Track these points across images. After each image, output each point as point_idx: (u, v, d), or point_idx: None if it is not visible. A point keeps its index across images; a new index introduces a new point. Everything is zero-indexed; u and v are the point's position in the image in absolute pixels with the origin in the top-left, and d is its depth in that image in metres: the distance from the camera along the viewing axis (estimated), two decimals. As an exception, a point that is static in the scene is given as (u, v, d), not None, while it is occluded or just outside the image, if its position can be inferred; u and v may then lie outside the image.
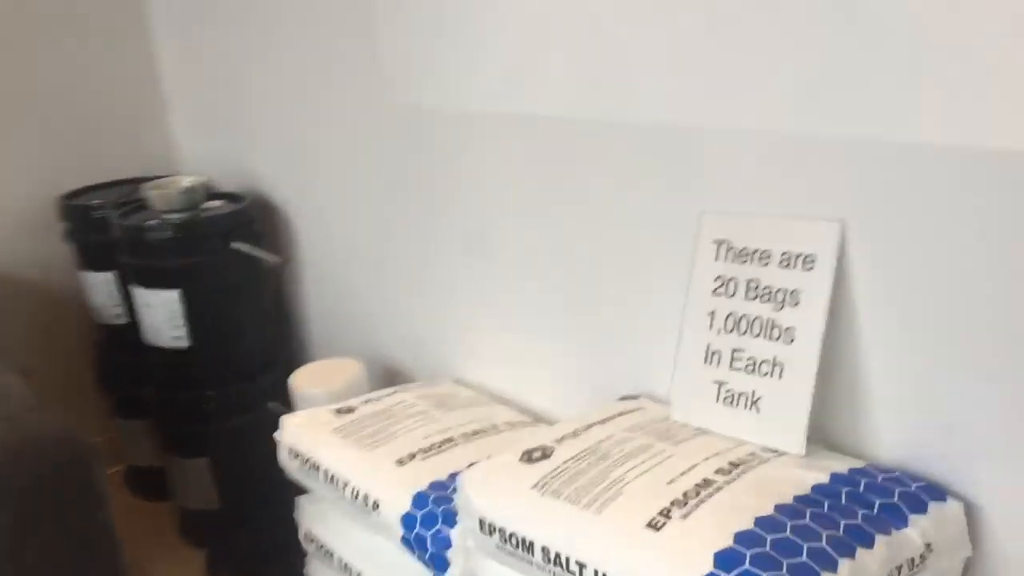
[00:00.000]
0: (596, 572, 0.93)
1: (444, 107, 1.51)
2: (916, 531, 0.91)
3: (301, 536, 1.49)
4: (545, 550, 0.98)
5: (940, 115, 0.89)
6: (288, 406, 1.68)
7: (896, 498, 0.94)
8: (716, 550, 0.87)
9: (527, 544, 1.00)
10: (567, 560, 0.96)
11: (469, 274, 1.58)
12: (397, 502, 1.24)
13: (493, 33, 1.35)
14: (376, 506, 1.26)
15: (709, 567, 0.85)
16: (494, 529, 1.04)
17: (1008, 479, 0.94)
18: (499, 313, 1.54)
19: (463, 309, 1.62)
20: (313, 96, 1.82)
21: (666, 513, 0.93)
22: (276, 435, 1.46)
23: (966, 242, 0.91)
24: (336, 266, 1.94)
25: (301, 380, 1.70)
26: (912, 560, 0.90)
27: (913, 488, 0.95)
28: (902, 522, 0.92)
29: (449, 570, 1.17)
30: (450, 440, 1.36)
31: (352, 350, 1.87)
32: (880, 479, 0.96)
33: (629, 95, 1.19)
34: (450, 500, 1.20)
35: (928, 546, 0.91)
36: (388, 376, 1.80)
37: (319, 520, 1.44)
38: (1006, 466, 0.93)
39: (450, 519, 1.18)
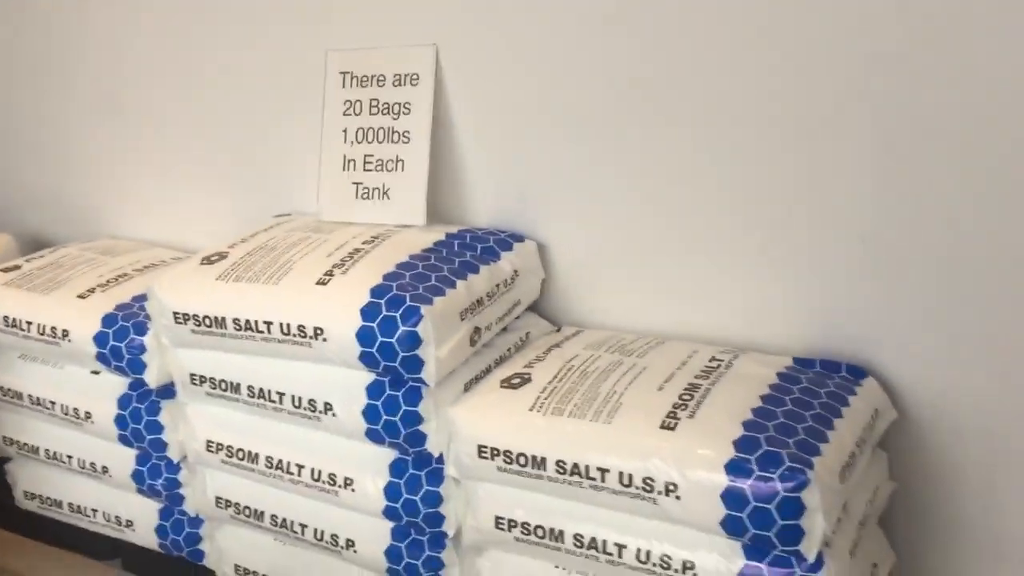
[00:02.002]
0: (282, 325, 1.20)
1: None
2: (506, 262, 1.29)
3: (-20, 392, 1.57)
4: (236, 321, 1.23)
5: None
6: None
7: (491, 243, 1.31)
8: (371, 286, 1.17)
9: (219, 320, 1.24)
10: (256, 323, 1.21)
11: (111, 136, 1.71)
12: (87, 325, 1.39)
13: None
14: (65, 334, 1.40)
15: (367, 298, 1.16)
16: (188, 318, 1.27)
17: (563, 226, 1.34)
18: (146, 167, 1.70)
19: (109, 170, 1.75)
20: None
21: (329, 273, 1.22)
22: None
23: (523, 51, 1.27)
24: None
25: (-54, 256, 1.72)
26: (505, 280, 1.27)
27: (502, 236, 1.33)
28: (496, 257, 1.29)
29: (146, 370, 1.37)
30: (125, 275, 1.52)
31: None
32: (480, 233, 1.33)
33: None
34: (138, 315, 1.39)
35: (515, 272, 1.30)
36: (36, 246, 1.87)
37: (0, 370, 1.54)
38: (561, 216, 1.34)
39: (141, 329, 1.37)
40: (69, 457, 1.52)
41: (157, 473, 1.44)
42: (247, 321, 1.22)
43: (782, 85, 1.12)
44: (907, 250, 1.12)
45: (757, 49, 1.12)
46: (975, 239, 1.08)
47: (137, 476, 1.46)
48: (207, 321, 1.25)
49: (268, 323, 1.21)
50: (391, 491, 1.22)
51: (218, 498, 1.39)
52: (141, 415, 1.41)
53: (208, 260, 1.31)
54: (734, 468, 0.98)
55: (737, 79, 1.14)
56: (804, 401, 1.07)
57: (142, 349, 1.36)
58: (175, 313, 1.27)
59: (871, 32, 1.06)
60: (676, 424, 1.04)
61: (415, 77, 1.33)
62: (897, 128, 1.08)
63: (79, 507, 1.57)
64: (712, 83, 1.16)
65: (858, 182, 1.12)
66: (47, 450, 1.54)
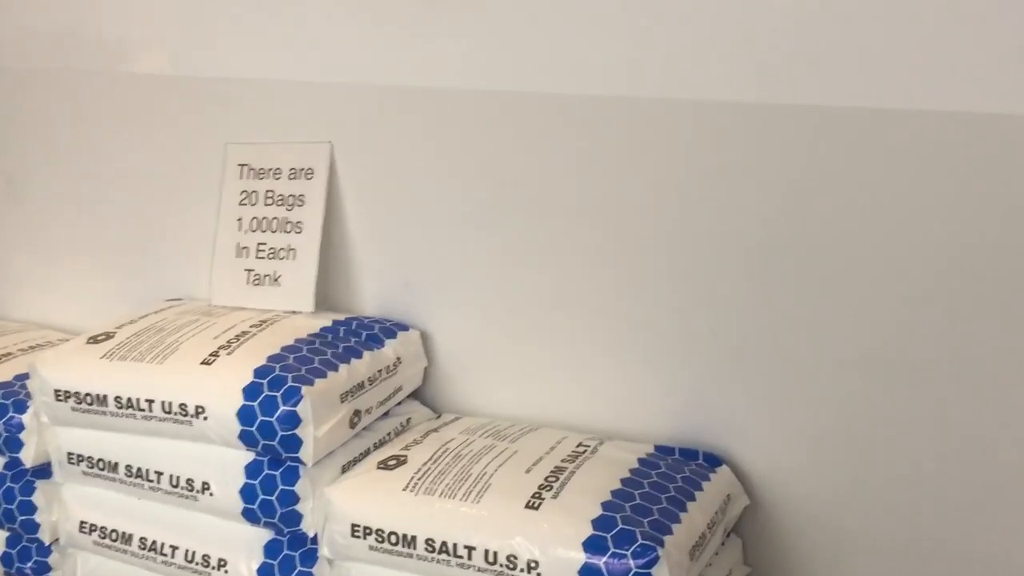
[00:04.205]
0: (163, 403, 1.22)
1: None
2: (390, 349, 1.35)
3: None
4: (118, 399, 1.25)
5: (390, 61, 1.33)
6: None
7: (376, 331, 1.36)
8: (255, 366, 1.21)
9: (101, 398, 1.26)
10: (138, 400, 1.23)
11: (4, 217, 1.73)
12: (-36, 403, 1.39)
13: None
14: (-59, 411, 1.39)
15: (250, 378, 1.20)
16: (69, 395, 1.28)
17: (446, 317, 1.41)
18: (39, 249, 1.71)
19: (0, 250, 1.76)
20: None
21: (215, 354, 1.25)
22: None
23: (411, 152, 1.36)
24: None
25: None
26: (388, 366, 1.33)
27: (387, 325, 1.39)
28: (380, 344, 1.34)
29: (23, 449, 1.36)
30: (8, 355, 1.52)
31: None
32: (366, 321, 1.39)
33: (157, 50, 1.48)
34: (17, 394, 1.39)
35: (398, 359, 1.35)
36: (-80, 326, 1.84)
37: None
38: (445, 307, 1.40)
39: (21, 407, 1.36)
40: (-65, 539, 1.48)
41: (27, 556, 1.41)
42: (129, 399, 1.24)
43: (649, 193, 1.23)
44: (759, 347, 1.21)
45: (629, 153, 1.23)
46: (822, 338, 1.18)
47: (6, 559, 1.42)
48: (88, 399, 1.26)
49: (150, 401, 1.23)
50: (264, 572, 1.23)
51: (88, 582, 1.37)
52: (15, 495, 1.38)
53: (94, 339, 1.33)
54: (591, 545, 1.03)
55: (607, 184, 1.25)
56: (660, 485, 1.14)
57: (20, 428, 1.36)
58: (56, 391, 1.28)
59: (722, 145, 1.18)
60: (540, 504, 1.09)
61: (310, 171, 1.40)
62: (749, 233, 1.19)
63: (-59, 594, 1.52)
64: (585, 187, 1.26)
65: (715, 284, 1.22)
66: (-88, 532, 1.50)
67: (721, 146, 1.17)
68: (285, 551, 1.23)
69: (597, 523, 1.05)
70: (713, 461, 1.24)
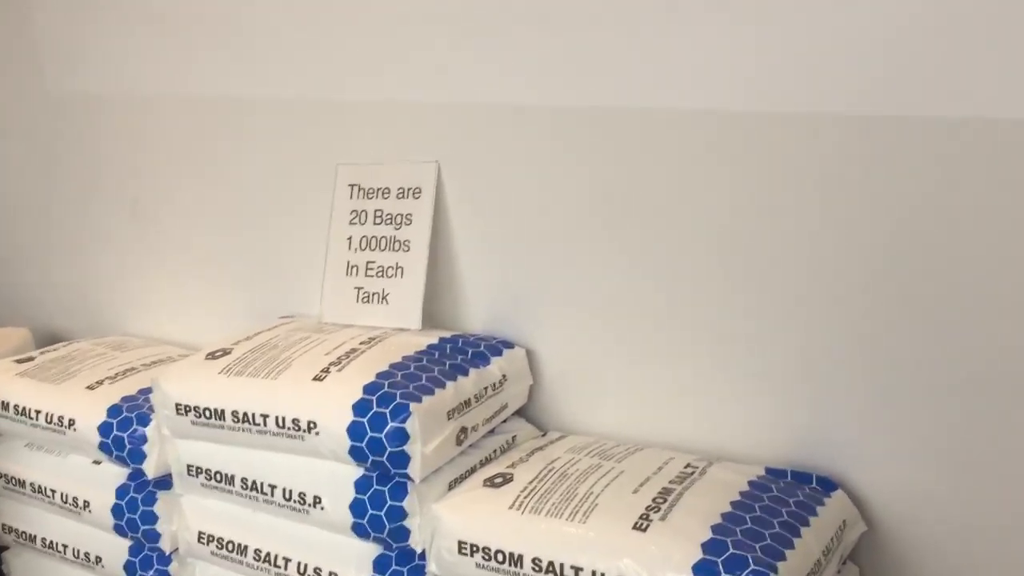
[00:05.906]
0: (277, 419, 1.25)
1: (101, 94, 1.74)
2: (496, 367, 1.35)
3: (-15, 479, 1.62)
4: (235, 413, 1.29)
5: (496, 81, 1.35)
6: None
7: (482, 348, 1.37)
8: (364, 383, 1.23)
9: (219, 412, 1.30)
10: (253, 415, 1.27)
11: (130, 238, 1.81)
12: (92, 416, 1.45)
13: (158, 19, 1.62)
14: (71, 423, 1.46)
15: (360, 394, 1.22)
16: (189, 409, 1.32)
17: (552, 335, 1.41)
18: (161, 268, 1.79)
19: (126, 270, 1.84)
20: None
21: (326, 370, 1.28)
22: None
23: (518, 170, 1.36)
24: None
25: (-33, 346, 1.80)
26: (494, 384, 1.33)
27: (493, 342, 1.39)
28: (487, 362, 1.35)
29: (146, 460, 1.42)
30: (132, 369, 1.59)
31: (11, 324, 1.98)
32: (472, 339, 1.39)
33: (272, 75, 1.53)
34: (142, 407, 1.44)
35: (504, 376, 1.35)
36: (52, 340, 1.94)
37: (5, 458, 1.59)
38: (551, 326, 1.40)
39: (144, 420, 1.42)
40: (64, 547, 1.55)
41: (148, 564, 1.47)
42: (245, 414, 1.28)
43: (763, 211, 1.20)
44: (877, 367, 1.17)
45: (743, 170, 1.20)
46: (945, 357, 1.13)
47: (129, 567, 1.48)
48: (207, 413, 1.31)
49: (264, 416, 1.26)
50: (373, 587, 1.25)
51: (206, 591, 1.42)
52: (137, 505, 1.44)
53: (212, 355, 1.38)
54: (701, 569, 1.01)
55: (719, 201, 1.22)
56: (772, 509, 1.11)
57: (143, 440, 1.41)
58: (177, 404, 1.33)
59: (841, 161, 1.14)
60: (648, 526, 1.07)
61: (418, 191, 1.42)
62: (867, 251, 1.15)
63: (69, 598, 1.59)
64: (695, 204, 1.24)
65: (833, 302, 1.18)
66: (44, 539, 1.57)
67: (840, 162, 1.14)
68: (394, 566, 1.24)
69: (707, 547, 1.03)
70: (827, 485, 1.20)
